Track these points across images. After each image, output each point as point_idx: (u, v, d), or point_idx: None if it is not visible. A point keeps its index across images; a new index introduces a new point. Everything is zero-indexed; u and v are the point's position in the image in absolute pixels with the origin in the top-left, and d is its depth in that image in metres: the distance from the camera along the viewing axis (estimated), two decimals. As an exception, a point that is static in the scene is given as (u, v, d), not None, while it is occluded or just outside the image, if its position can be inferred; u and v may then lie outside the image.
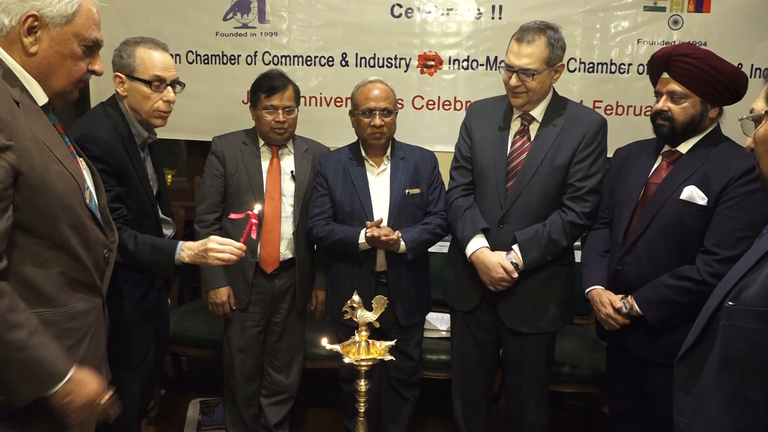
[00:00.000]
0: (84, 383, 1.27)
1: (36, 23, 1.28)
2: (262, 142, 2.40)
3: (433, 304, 2.64)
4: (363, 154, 2.42)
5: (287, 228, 2.43)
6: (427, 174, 2.43)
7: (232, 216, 2.02)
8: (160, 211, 1.98)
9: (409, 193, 2.40)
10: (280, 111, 2.32)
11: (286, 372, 2.60)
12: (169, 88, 1.90)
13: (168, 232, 2.02)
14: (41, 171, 1.24)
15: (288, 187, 2.40)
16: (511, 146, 2.18)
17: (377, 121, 2.33)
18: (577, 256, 2.29)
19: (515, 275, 2.17)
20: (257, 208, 1.77)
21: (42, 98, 1.33)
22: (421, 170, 2.43)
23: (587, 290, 2.12)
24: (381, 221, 2.30)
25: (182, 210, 3.24)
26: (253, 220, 1.73)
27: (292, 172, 2.41)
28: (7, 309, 1.17)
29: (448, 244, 2.48)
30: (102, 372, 1.42)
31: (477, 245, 2.21)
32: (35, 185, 1.23)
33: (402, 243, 2.32)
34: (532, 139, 2.16)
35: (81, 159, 1.46)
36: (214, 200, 2.42)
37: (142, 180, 1.87)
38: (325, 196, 2.44)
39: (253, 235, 1.75)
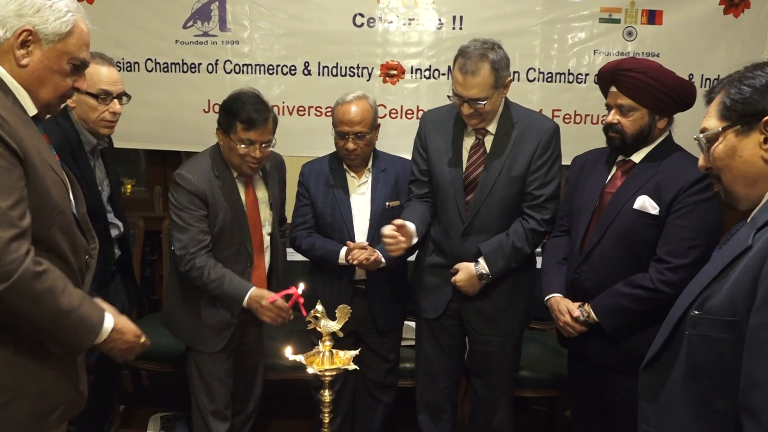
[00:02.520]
0: (123, 331, 1.52)
1: (30, 38, 1.34)
2: (235, 173, 2.21)
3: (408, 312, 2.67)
4: (344, 166, 2.42)
5: (268, 257, 2.38)
6: (407, 186, 2.44)
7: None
8: (110, 215, 2.26)
9: (389, 206, 2.41)
10: (258, 146, 2.11)
11: (247, 389, 2.57)
12: (116, 100, 2.12)
13: (114, 232, 2.31)
14: (41, 177, 1.32)
15: (266, 215, 2.32)
16: (468, 160, 2.20)
17: (350, 145, 2.32)
18: (539, 261, 2.35)
19: (492, 279, 2.19)
20: (301, 287, 1.91)
21: (32, 109, 1.38)
22: (401, 182, 2.44)
23: (546, 298, 2.17)
24: (362, 246, 2.32)
25: (142, 221, 3.21)
26: (300, 300, 1.96)
27: (269, 201, 2.32)
28: (53, 280, 1.31)
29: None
30: (84, 379, 1.54)
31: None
32: (39, 190, 1.31)
33: (382, 260, 2.34)
34: (488, 151, 2.18)
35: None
36: (201, 237, 2.18)
37: (89, 184, 2.10)
38: (307, 206, 2.46)
39: (303, 313, 1.93)
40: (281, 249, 2.43)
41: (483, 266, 2.21)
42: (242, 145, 2.10)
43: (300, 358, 1.81)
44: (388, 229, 2.14)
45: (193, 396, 2.37)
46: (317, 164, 2.47)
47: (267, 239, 2.35)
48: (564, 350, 2.30)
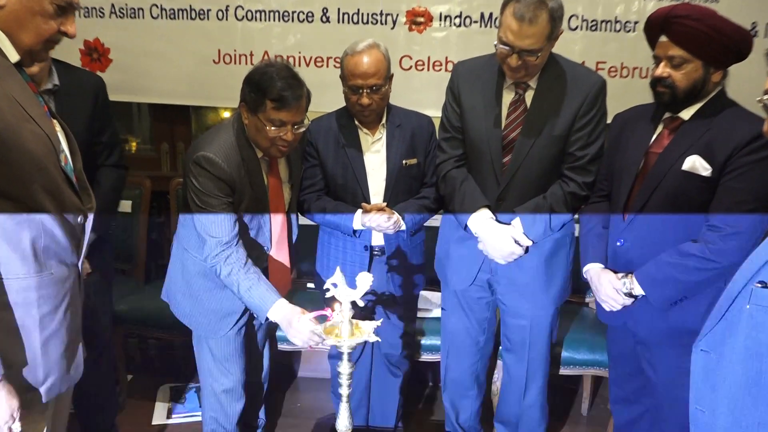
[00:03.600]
0: None
1: None
2: (260, 153, 2.14)
3: (426, 282, 2.71)
4: (356, 122, 2.40)
5: (292, 240, 2.40)
6: (424, 142, 2.45)
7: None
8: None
9: (406, 164, 2.42)
10: (290, 127, 2.03)
11: (256, 363, 2.60)
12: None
13: None
14: (14, 129, 1.27)
15: (287, 197, 2.30)
16: (506, 118, 2.17)
17: (364, 100, 2.27)
18: (578, 229, 2.33)
19: (528, 243, 2.19)
20: (337, 310, 1.86)
21: (13, 55, 1.34)
22: (418, 138, 2.44)
23: (586, 269, 2.16)
24: (380, 208, 2.33)
25: (148, 180, 3.23)
26: (332, 315, 1.90)
27: (288, 180, 2.30)
28: None
29: (438, 219, 2.54)
30: (78, 350, 1.52)
31: (483, 217, 2.21)
32: (8, 144, 1.26)
33: (401, 223, 2.36)
34: (528, 108, 2.15)
35: (56, 121, 1.47)
36: (231, 226, 2.11)
37: None
38: (315, 167, 2.44)
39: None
40: (294, 227, 2.43)
41: (518, 231, 2.20)
42: (272, 127, 2.01)
43: (318, 328, 1.86)
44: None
45: (201, 375, 2.38)
46: (326, 121, 2.45)
47: (286, 224, 2.35)
48: (604, 326, 2.30)
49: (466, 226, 2.26)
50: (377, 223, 2.32)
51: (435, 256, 2.51)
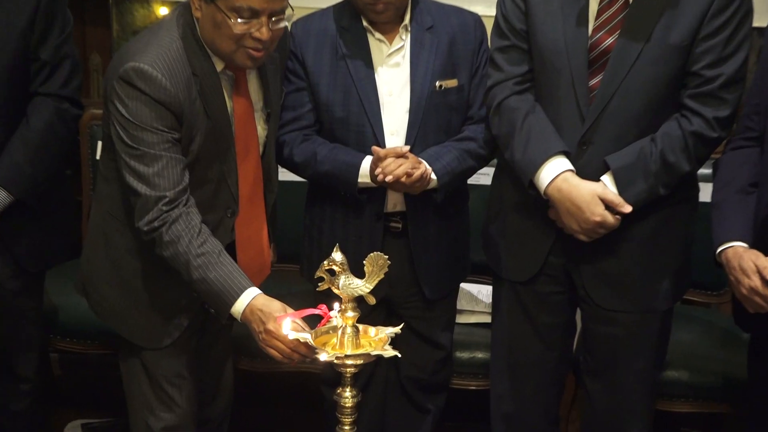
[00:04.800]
0: None
1: None
2: (220, 64, 2.17)
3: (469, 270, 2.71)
4: (364, 22, 2.41)
5: (270, 200, 2.46)
6: (470, 54, 2.45)
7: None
8: None
9: (440, 87, 2.41)
10: (265, 19, 2.04)
11: (213, 390, 2.60)
12: None
13: None
14: None
15: (262, 132, 2.35)
16: (596, 18, 2.19)
17: None
18: (705, 190, 2.30)
19: (627, 209, 2.17)
20: (336, 309, 1.91)
21: None
22: (461, 47, 2.45)
23: (721, 248, 2.12)
24: (400, 153, 2.30)
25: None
26: (328, 317, 1.95)
27: (262, 107, 2.33)
28: None
29: (491, 171, 2.52)
30: None
31: (557, 170, 2.22)
32: None
33: (433, 177, 2.35)
34: (630, 4, 2.15)
35: None
36: (178, 174, 2.11)
37: None
38: (302, 91, 2.46)
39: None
40: (274, 180, 2.46)
41: (611, 191, 2.16)
42: (238, 19, 2.02)
43: (305, 337, 1.83)
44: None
45: (132, 406, 2.42)
46: (318, 21, 2.47)
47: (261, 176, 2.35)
48: (744, 336, 2.32)
49: (531, 183, 2.25)
50: (396, 177, 2.27)
51: (482, 230, 2.53)
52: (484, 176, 2.74)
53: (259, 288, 2.08)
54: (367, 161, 2.36)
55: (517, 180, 2.30)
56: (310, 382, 2.88)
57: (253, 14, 2.01)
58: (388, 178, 2.27)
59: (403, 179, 2.27)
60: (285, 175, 2.58)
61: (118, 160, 2.10)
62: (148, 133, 2.05)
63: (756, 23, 2.19)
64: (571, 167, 2.21)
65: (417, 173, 2.28)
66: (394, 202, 2.45)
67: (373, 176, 2.32)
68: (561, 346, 2.48)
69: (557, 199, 2.21)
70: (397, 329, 1.86)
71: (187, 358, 2.35)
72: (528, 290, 2.40)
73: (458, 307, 2.83)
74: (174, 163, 2.08)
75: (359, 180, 2.37)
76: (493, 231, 2.46)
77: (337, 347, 1.82)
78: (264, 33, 2.03)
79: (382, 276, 1.84)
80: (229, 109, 2.19)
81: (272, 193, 2.42)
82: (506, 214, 2.41)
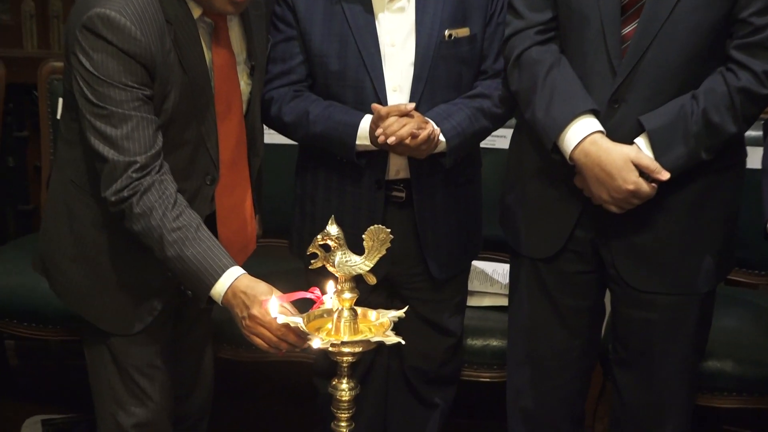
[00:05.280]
0: None
1: None
2: (197, 10, 2.17)
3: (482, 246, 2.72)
4: None
5: (255, 165, 2.47)
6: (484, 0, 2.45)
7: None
8: None
9: (451, 36, 2.42)
10: None
11: (190, 382, 2.62)
12: None
13: None
14: None
15: (246, 88, 2.36)
16: None
17: None
18: (754, 155, 2.32)
19: (664, 177, 2.18)
20: (330, 289, 1.94)
21: None
22: None
23: None
24: (404, 111, 2.30)
25: (0, 66, 3.26)
26: (321, 300, 1.99)
27: (245, 59, 2.33)
28: None
29: (509, 132, 2.51)
30: None
31: (584, 131, 2.22)
32: None
33: (441, 139, 2.36)
34: None
35: None
36: (150, 137, 2.13)
37: None
38: (291, 40, 2.47)
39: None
40: (259, 143, 2.48)
41: (646, 156, 2.18)
42: None
43: (296, 321, 1.83)
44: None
45: (99, 401, 2.43)
46: None
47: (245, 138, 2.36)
48: None
49: (555, 147, 2.26)
50: (399, 138, 2.27)
51: (499, 200, 2.55)
52: (500, 139, 2.76)
53: (243, 267, 2.08)
54: (366, 121, 2.36)
55: (539, 143, 2.30)
56: (301, 373, 2.91)
57: None
58: (390, 140, 2.27)
59: (408, 141, 2.27)
60: (272, 137, 2.59)
61: (82, 120, 2.09)
62: (115, 90, 2.04)
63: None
64: (601, 128, 2.21)
65: (423, 134, 2.28)
66: (396, 168, 2.46)
67: (373, 138, 2.32)
68: (587, 333, 2.50)
69: (585, 164, 2.21)
70: (401, 313, 1.88)
71: (161, 345, 2.36)
72: (551, 269, 2.41)
73: (470, 287, 2.84)
74: (145, 123, 2.07)
75: (357, 142, 2.37)
76: (511, 201, 2.47)
77: (333, 333, 1.82)
78: None
79: (383, 252, 1.84)
80: (207, 61, 2.19)
81: (257, 157, 2.42)
82: (526, 182, 2.42)
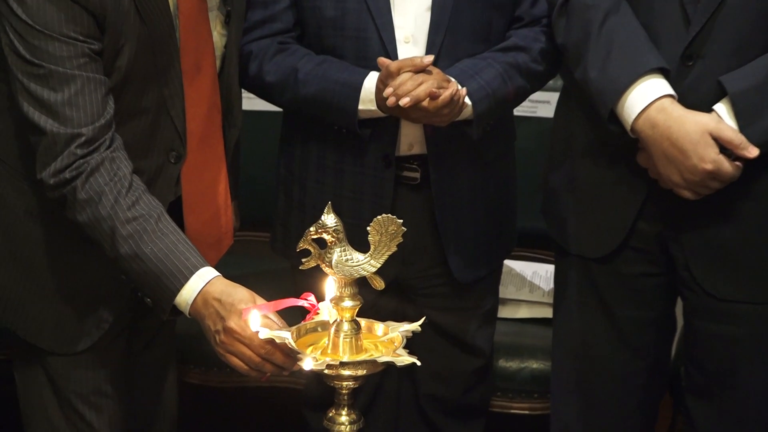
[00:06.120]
0: None
1: None
2: None
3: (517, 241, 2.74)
4: None
5: (232, 138, 2.51)
6: None
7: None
8: None
9: None
10: None
11: (150, 411, 2.65)
12: None
13: None
14: None
15: (220, 41, 2.38)
16: None
17: None
18: None
19: (752, 154, 2.18)
20: (327, 296, 1.94)
21: None
22: None
23: None
24: (419, 66, 2.32)
25: None
26: (317, 309, 2.00)
27: (219, 3, 2.36)
28: None
29: (553, 97, 2.54)
30: None
31: (651, 95, 2.22)
32: None
33: (466, 102, 2.37)
34: None
35: None
36: (98, 102, 2.15)
37: None
38: None
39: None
40: (236, 110, 2.51)
41: (728, 127, 2.19)
42: None
43: (283, 336, 1.83)
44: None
45: (31, 430, 2.46)
46: None
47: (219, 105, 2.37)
48: None
49: (612, 115, 2.27)
50: (414, 100, 2.27)
51: (540, 183, 2.58)
52: (542, 105, 2.78)
53: (216, 267, 2.08)
54: (371, 79, 2.37)
55: (593, 110, 2.31)
56: (289, 403, 2.92)
57: None
58: (404, 102, 2.26)
59: (425, 103, 2.27)
60: (252, 102, 2.63)
61: (12, 82, 2.10)
62: (55, 43, 2.04)
63: None
64: (671, 91, 2.22)
65: (445, 94, 2.27)
66: (410, 140, 2.47)
67: (380, 101, 2.32)
68: (654, 353, 2.51)
69: (651, 137, 2.22)
70: (416, 326, 1.88)
71: (112, 368, 2.38)
72: (607, 271, 2.44)
73: (502, 294, 2.87)
74: (93, 86, 2.08)
75: (360, 107, 2.38)
76: (556, 184, 2.49)
77: (329, 351, 1.82)
78: None
79: (393, 248, 1.83)
80: (171, 6, 2.20)
81: (234, 128, 2.44)
82: (575, 161, 2.43)
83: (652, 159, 2.24)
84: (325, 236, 1.83)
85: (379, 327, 1.89)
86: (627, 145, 2.28)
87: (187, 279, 2.03)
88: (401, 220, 1.83)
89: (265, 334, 1.88)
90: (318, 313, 1.94)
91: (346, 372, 1.78)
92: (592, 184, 2.40)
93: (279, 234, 2.65)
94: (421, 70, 2.30)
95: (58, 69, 2.03)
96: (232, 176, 2.45)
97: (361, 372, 1.79)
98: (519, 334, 2.92)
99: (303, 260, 1.86)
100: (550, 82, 2.62)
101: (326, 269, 1.83)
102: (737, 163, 2.18)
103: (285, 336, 1.85)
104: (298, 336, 1.87)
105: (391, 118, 2.38)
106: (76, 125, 2.05)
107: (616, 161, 2.34)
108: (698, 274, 2.34)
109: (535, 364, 2.86)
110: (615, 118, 2.25)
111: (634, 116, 2.21)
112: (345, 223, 1.85)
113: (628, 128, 2.23)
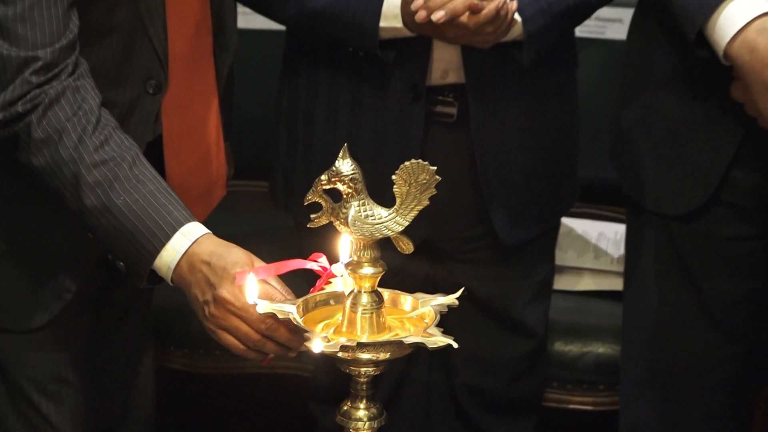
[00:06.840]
0: None
1: None
2: None
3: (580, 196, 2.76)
4: None
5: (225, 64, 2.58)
6: None
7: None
8: None
9: None
10: None
11: (123, 403, 2.69)
12: None
13: None
14: None
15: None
16: None
17: None
18: None
19: None
20: (344, 253, 1.92)
21: None
22: None
23: None
24: None
25: None
26: (330, 274, 2.00)
27: None
28: None
29: (626, 14, 2.53)
30: None
31: (748, 13, 2.21)
32: None
33: (516, 18, 2.42)
34: None
35: None
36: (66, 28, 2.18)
37: None
38: None
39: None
40: (230, 29, 2.58)
41: None
42: None
43: (287, 309, 1.82)
44: None
45: None
46: None
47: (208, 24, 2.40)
48: None
49: (701, 36, 2.25)
50: (451, 14, 2.28)
51: (610, 123, 2.58)
52: (611, 24, 2.78)
53: (206, 224, 2.09)
54: None
55: (676, 31, 2.31)
56: (293, 393, 2.94)
57: None
58: (437, 16, 2.27)
59: (464, 18, 2.27)
60: (248, 18, 2.64)
61: None
62: None
63: None
64: None
65: (490, 6, 2.28)
66: (444, 66, 2.49)
67: (407, 15, 2.33)
68: (750, 336, 2.50)
69: (749, 64, 2.21)
70: (452, 299, 1.84)
71: (75, 349, 2.41)
72: (692, 232, 2.46)
73: (559, 261, 2.90)
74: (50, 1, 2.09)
75: (382, 23, 2.39)
76: (630, 124, 2.49)
77: (344, 330, 1.80)
78: None
79: (425, 203, 1.80)
80: None
81: (227, 52, 2.47)
82: (655, 95, 2.43)
83: (750, 91, 2.22)
84: (339, 186, 1.80)
85: (407, 300, 1.86)
86: (719, 75, 2.27)
87: (168, 237, 2.02)
88: (434, 167, 1.79)
89: (263, 307, 1.87)
90: (330, 281, 1.92)
91: (364, 355, 1.75)
92: (675, 123, 2.40)
93: (280, 183, 2.67)
94: None
95: None
96: (225, 112, 2.46)
97: (383, 356, 1.76)
98: (580, 310, 2.94)
99: (311, 216, 1.83)
100: (623, -6, 2.60)
101: (340, 228, 1.81)
102: None
103: (289, 310, 1.84)
104: (306, 310, 1.85)
105: (420, 38, 2.40)
106: (31, 46, 2.05)
107: (705, 95, 2.34)
108: None
109: (600, 349, 2.87)
110: (704, 41, 2.24)
111: (728, 38, 2.21)
112: (364, 169, 1.82)
113: (721, 53, 2.22)
